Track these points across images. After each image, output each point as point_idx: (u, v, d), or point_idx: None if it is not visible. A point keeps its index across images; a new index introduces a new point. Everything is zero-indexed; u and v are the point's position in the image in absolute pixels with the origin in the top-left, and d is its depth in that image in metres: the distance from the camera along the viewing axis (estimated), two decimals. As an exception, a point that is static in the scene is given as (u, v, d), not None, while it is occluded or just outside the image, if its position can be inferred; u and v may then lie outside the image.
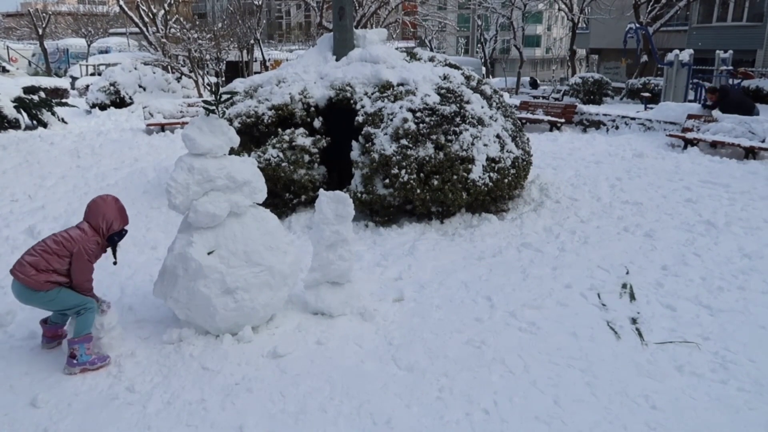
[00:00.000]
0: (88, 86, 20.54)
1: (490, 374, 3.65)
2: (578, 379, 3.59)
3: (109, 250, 3.93)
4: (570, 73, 28.30)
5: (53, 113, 14.90)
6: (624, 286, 4.88)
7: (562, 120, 14.04)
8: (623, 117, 13.46)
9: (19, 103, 14.14)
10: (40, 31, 33.43)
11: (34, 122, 14.27)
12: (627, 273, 5.14)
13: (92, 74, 26.73)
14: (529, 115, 14.57)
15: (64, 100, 19.20)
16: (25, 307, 4.58)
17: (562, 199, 7.17)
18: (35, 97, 14.92)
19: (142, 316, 4.43)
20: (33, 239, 6.03)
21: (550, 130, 13.86)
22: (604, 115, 13.94)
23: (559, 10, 29.85)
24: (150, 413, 3.31)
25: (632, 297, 4.69)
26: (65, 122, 15.14)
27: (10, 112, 13.73)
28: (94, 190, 7.81)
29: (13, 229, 6.34)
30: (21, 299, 3.72)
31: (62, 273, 3.68)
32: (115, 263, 3.99)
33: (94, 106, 18.20)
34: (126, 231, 3.97)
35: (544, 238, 6.08)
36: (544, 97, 21.49)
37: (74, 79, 26.79)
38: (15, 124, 13.73)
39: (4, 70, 23.07)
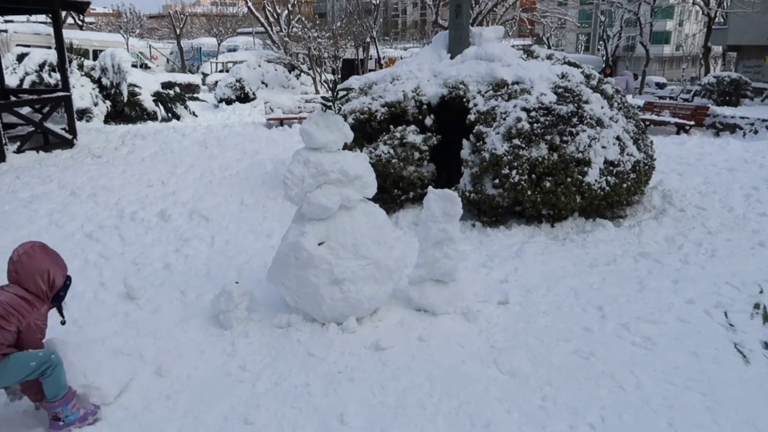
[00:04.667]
0: (216, 82, 22.11)
1: (598, 388, 3.47)
2: (698, 403, 3.31)
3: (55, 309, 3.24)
4: (703, 72, 26.13)
5: (186, 107, 16.27)
6: (757, 306, 4.43)
7: (692, 122, 13.06)
8: (764, 120, 12.24)
9: (157, 98, 15.57)
10: (178, 31, 36.39)
11: (170, 115, 15.62)
12: (761, 292, 4.66)
13: (221, 71, 28.68)
14: (654, 117, 13.70)
15: (195, 95, 20.86)
16: (155, 284, 5.05)
17: (688, 208, 6.65)
18: (171, 92, 16.34)
19: (255, 300, 4.69)
20: (164, 222, 6.59)
21: (677, 133, 12.91)
22: (741, 117, 12.76)
23: (694, 3, 27.64)
24: (259, 392, 3.50)
25: (766, 319, 4.25)
26: (196, 115, 16.44)
27: (150, 105, 15.18)
28: (218, 178, 8.37)
29: (147, 211, 6.93)
30: None
31: (9, 344, 2.98)
32: (63, 323, 3.34)
33: (221, 100, 19.58)
34: (69, 281, 3.25)
35: (665, 249, 5.67)
36: (671, 98, 20.04)
37: (205, 75, 28.92)
38: (153, 116, 15.15)
39: (147, 67, 25.38)
